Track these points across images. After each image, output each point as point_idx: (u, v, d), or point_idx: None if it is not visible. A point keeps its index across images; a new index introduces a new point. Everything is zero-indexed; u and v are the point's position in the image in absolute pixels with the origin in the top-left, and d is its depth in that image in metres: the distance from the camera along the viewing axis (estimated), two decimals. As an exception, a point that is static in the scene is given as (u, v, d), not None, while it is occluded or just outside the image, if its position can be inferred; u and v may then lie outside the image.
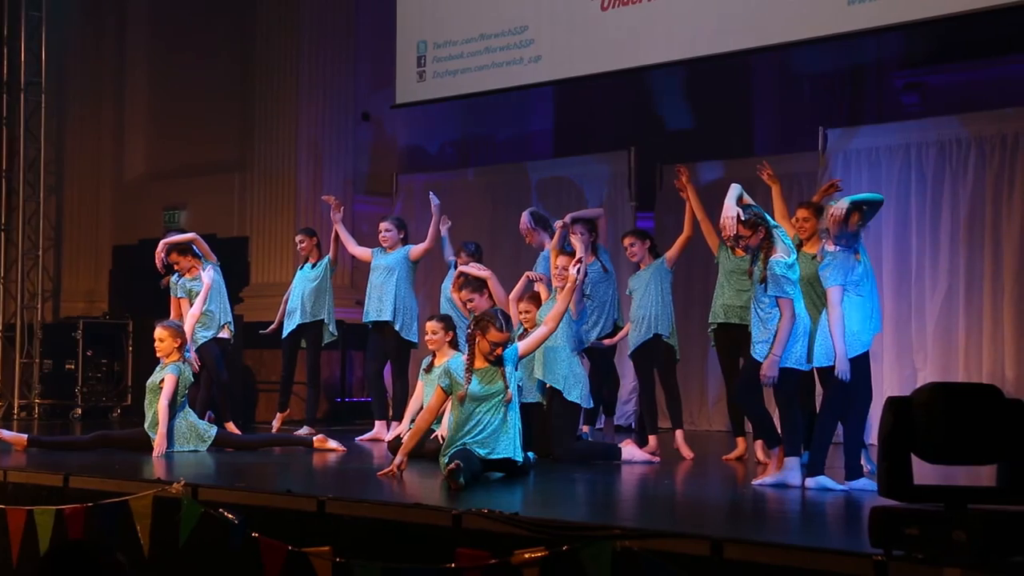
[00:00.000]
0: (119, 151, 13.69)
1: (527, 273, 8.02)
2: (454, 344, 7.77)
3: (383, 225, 9.39)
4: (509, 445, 6.61)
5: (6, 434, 8.10)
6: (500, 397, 6.59)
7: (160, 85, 13.45)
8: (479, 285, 8.18)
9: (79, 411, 11.73)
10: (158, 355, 8.06)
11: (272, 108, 12.12)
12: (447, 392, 6.68)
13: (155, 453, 7.75)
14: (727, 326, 7.75)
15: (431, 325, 7.85)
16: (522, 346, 6.92)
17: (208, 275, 9.09)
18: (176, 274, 9.35)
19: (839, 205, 6.29)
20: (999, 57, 11.37)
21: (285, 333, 9.68)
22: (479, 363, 6.66)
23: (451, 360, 6.84)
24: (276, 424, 9.68)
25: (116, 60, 13.67)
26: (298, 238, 9.85)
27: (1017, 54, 11.18)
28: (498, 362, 6.65)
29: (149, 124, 13.57)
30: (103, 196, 13.68)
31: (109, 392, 11.86)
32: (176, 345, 8.01)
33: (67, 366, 11.92)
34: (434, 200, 9.12)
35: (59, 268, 13.44)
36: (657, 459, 7.77)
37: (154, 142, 13.54)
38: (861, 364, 6.32)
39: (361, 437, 9.17)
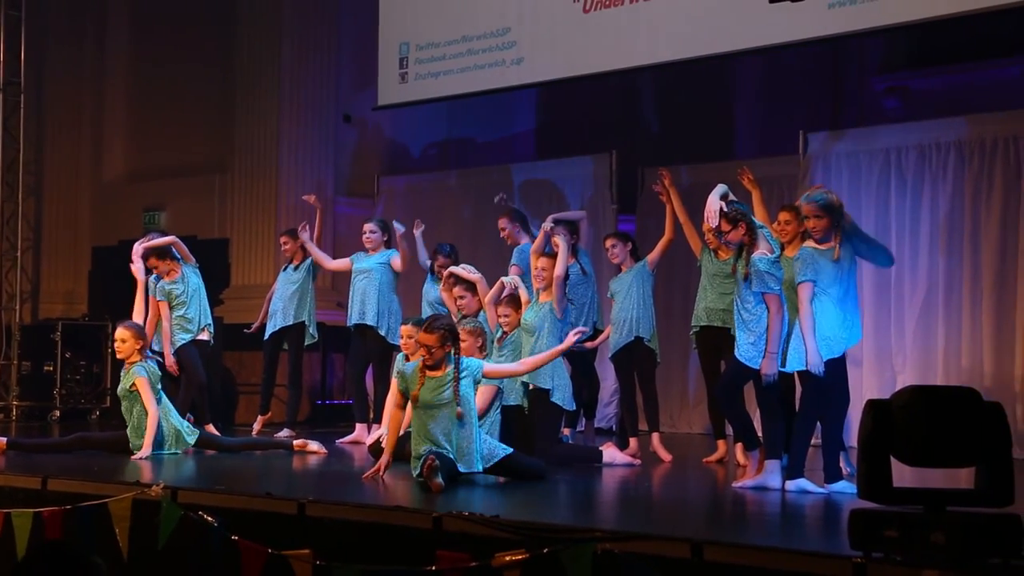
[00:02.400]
0: (99, 152, 13.63)
1: (501, 279, 8.03)
2: None
3: (367, 227, 9.40)
4: (471, 459, 6.48)
5: (-15, 436, 8.06)
6: (451, 411, 6.43)
7: (140, 86, 13.40)
8: (470, 284, 8.18)
9: (57, 413, 11.67)
10: (119, 356, 8.04)
11: (253, 109, 12.07)
12: (404, 394, 6.63)
13: (140, 454, 7.70)
14: (709, 329, 7.75)
15: (406, 329, 7.85)
16: (489, 368, 6.80)
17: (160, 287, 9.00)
18: (155, 276, 9.29)
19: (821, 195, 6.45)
20: (980, 61, 11.43)
21: (267, 335, 9.66)
22: (433, 370, 6.52)
23: (407, 364, 6.81)
24: (257, 426, 9.66)
25: (96, 60, 13.60)
26: (282, 239, 9.83)
27: (998, 59, 11.24)
28: (454, 373, 6.46)
29: (129, 125, 13.51)
30: (83, 197, 13.61)
31: (88, 394, 11.80)
32: (137, 347, 7.98)
33: (46, 368, 11.85)
34: (399, 228, 9.19)
35: (38, 269, 13.37)
36: (638, 462, 7.78)
37: (134, 143, 13.48)
38: (837, 367, 6.34)
39: (342, 440, 9.15)
